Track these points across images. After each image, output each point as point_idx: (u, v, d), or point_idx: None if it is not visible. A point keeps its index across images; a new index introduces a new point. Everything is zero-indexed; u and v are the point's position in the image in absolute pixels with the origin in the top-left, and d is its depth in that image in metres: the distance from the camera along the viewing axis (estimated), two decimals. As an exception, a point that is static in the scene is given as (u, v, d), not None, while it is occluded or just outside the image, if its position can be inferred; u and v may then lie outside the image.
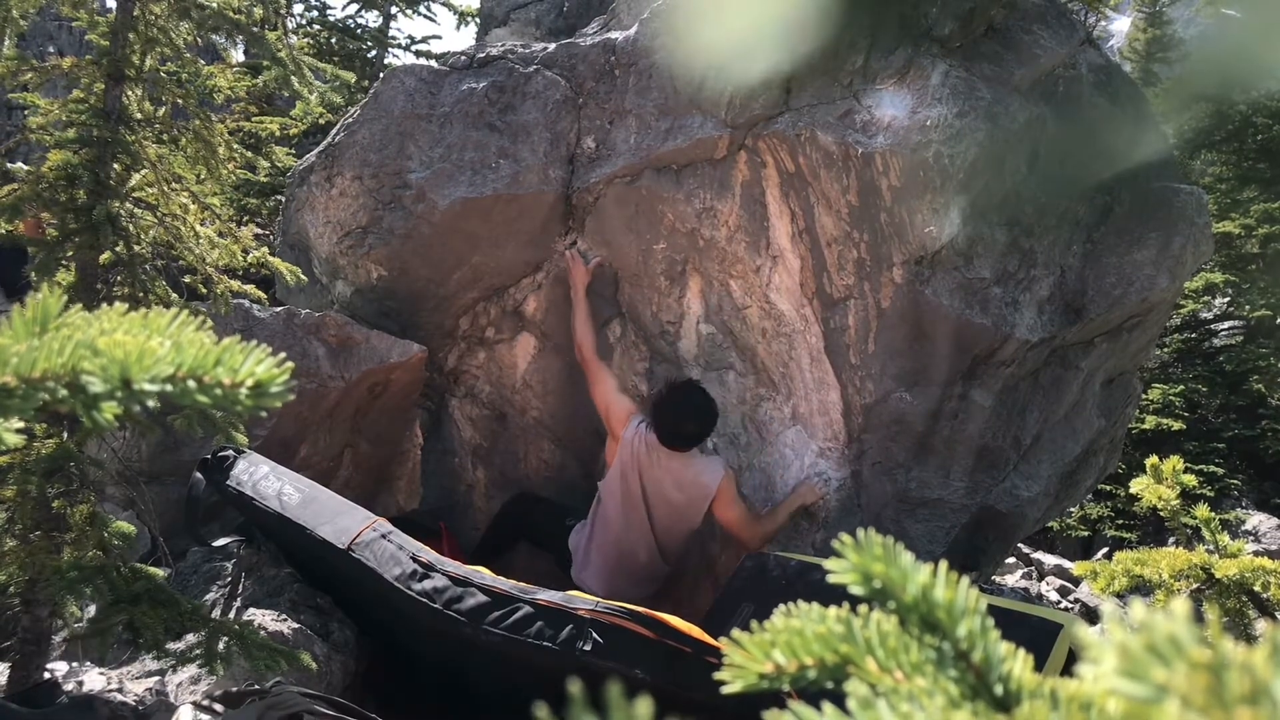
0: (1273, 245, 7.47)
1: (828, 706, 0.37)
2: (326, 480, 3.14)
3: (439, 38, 8.94)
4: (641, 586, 3.06)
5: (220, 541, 2.61)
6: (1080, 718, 0.38)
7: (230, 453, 2.49)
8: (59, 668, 2.18)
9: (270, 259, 2.21)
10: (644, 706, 0.33)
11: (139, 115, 2.02)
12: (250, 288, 2.14)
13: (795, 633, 0.43)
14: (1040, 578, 5.73)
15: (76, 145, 1.93)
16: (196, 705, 1.96)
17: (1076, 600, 5.23)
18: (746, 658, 0.43)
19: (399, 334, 3.36)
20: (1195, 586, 1.77)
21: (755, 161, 2.98)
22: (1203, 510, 1.94)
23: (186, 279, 2.14)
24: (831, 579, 0.44)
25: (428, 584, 2.01)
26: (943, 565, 0.44)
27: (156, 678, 2.16)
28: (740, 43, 2.77)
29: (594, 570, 3.10)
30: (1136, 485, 2.04)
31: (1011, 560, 5.81)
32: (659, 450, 2.98)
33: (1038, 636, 2.14)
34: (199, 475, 2.51)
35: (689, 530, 3.07)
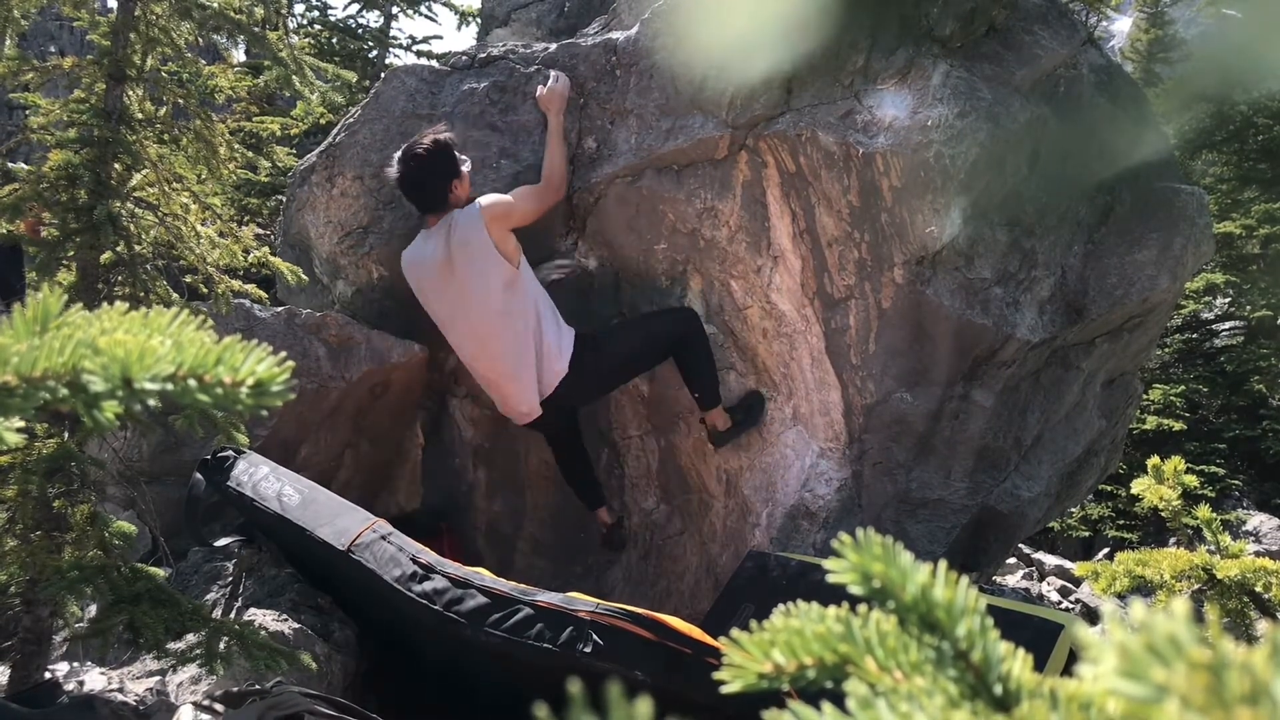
0: (1273, 246, 7.47)
1: (827, 706, 0.37)
2: (327, 480, 3.15)
3: (440, 38, 8.95)
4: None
5: (221, 541, 2.61)
6: (1080, 718, 0.38)
7: (230, 453, 2.49)
8: (60, 668, 2.18)
9: (271, 259, 2.21)
10: (644, 707, 0.33)
11: (140, 115, 2.02)
12: (251, 287, 2.15)
13: (795, 632, 0.43)
14: (1041, 578, 5.73)
15: (77, 145, 1.93)
16: (197, 705, 1.96)
17: (1077, 601, 5.23)
18: (746, 658, 0.43)
19: (400, 334, 3.36)
20: (1196, 587, 1.77)
21: (756, 161, 2.98)
22: (1204, 511, 1.94)
23: (187, 279, 2.15)
24: (831, 579, 0.44)
25: (428, 585, 2.01)
26: (942, 565, 0.44)
27: (157, 678, 2.16)
28: (741, 43, 2.78)
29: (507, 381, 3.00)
30: (1138, 486, 2.04)
31: (1012, 561, 5.81)
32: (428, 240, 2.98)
33: (1038, 637, 2.14)
34: (199, 476, 2.51)
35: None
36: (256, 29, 2.05)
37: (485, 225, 2.89)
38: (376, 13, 8.19)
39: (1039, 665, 2.09)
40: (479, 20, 6.76)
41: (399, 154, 2.98)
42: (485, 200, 2.95)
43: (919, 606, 0.43)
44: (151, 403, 0.47)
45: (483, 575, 2.02)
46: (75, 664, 2.25)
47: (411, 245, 3.07)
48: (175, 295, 2.05)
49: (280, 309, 3.20)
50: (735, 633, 0.44)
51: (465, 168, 3.01)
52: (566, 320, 3.05)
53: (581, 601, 1.87)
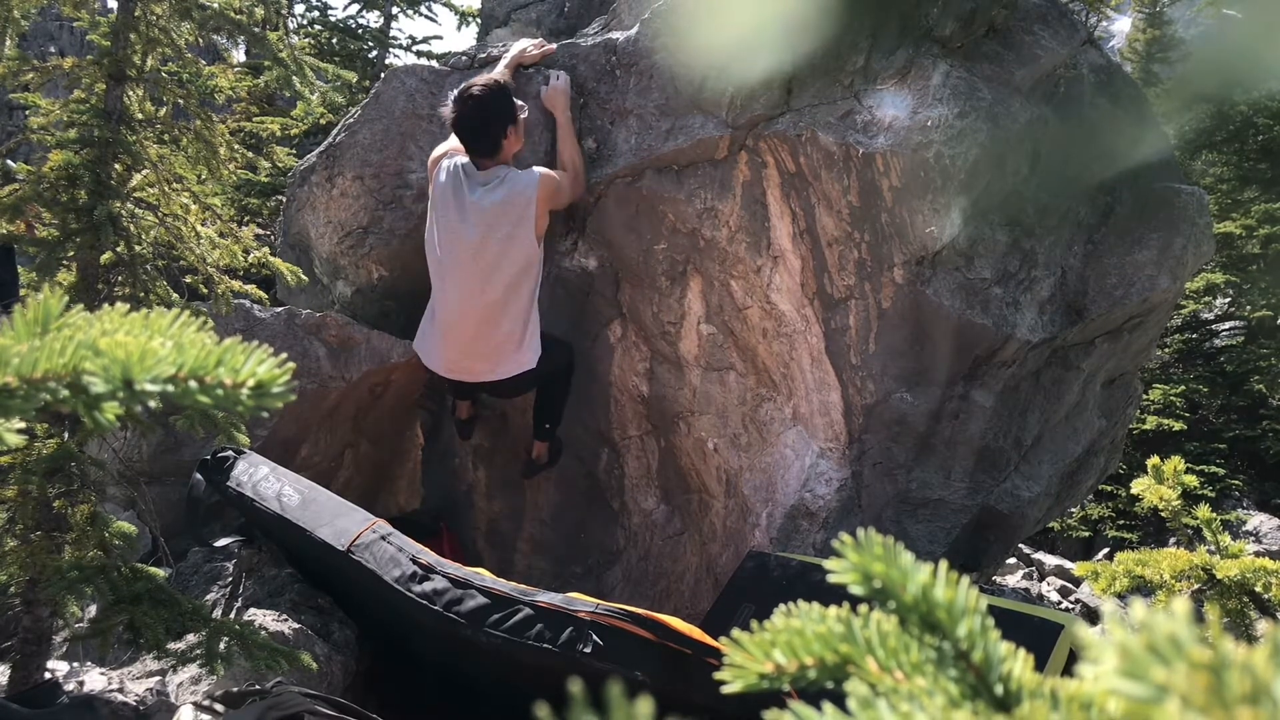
0: (1274, 246, 7.46)
1: (828, 706, 0.37)
2: (327, 480, 3.15)
3: (440, 38, 8.97)
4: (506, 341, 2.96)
5: (221, 541, 2.61)
6: (1080, 717, 0.38)
7: (230, 453, 2.49)
8: (60, 668, 2.18)
9: (271, 259, 2.21)
10: (644, 707, 0.33)
11: (140, 115, 2.02)
12: (251, 288, 2.15)
13: (795, 632, 0.43)
14: (1041, 578, 5.73)
15: (77, 145, 1.93)
16: (197, 705, 1.96)
17: (1077, 601, 5.23)
18: (747, 658, 0.43)
19: (400, 334, 3.36)
20: (1196, 587, 1.77)
21: (756, 162, 2.98)
22: (1204, 511, 1.94)
23: (187, 279, 2.15)
24: (832, 579, 0.44)
25: (427, 586, 2.01)
26: (943, 565, 0.44)
27: (157, 678, 2.16)
28: (741, 43, 2.77)
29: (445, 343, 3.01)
30: (1138, 486, 2.04)
31: (1012, 561, 5.81)
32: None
33: (1039, 637, 2.14)
34: (199, 476, 2.51)
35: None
36: (256, 29, 2.05)
37: (538, 198, 2.87)
38: (376, 13, 8.20)
39: (1039, 665, 2.09)
40: (479, 20, 6.77)
41: (454, 94, 2.90)
42: (544, 170, 2.94)
43: (920, 606, 0.43)
44: (152, 404, 0.47)
45: (483, 575, 2.01)
46: (75, 664, 2.25)
47: (453, 166, 2.94)
48: (175, 295, 2.05)
49: (280, 309, 3.20)
50: (736, 633, 0.44)
51: (522, 114, 2.98)
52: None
53: (581, 602, 1.87)
